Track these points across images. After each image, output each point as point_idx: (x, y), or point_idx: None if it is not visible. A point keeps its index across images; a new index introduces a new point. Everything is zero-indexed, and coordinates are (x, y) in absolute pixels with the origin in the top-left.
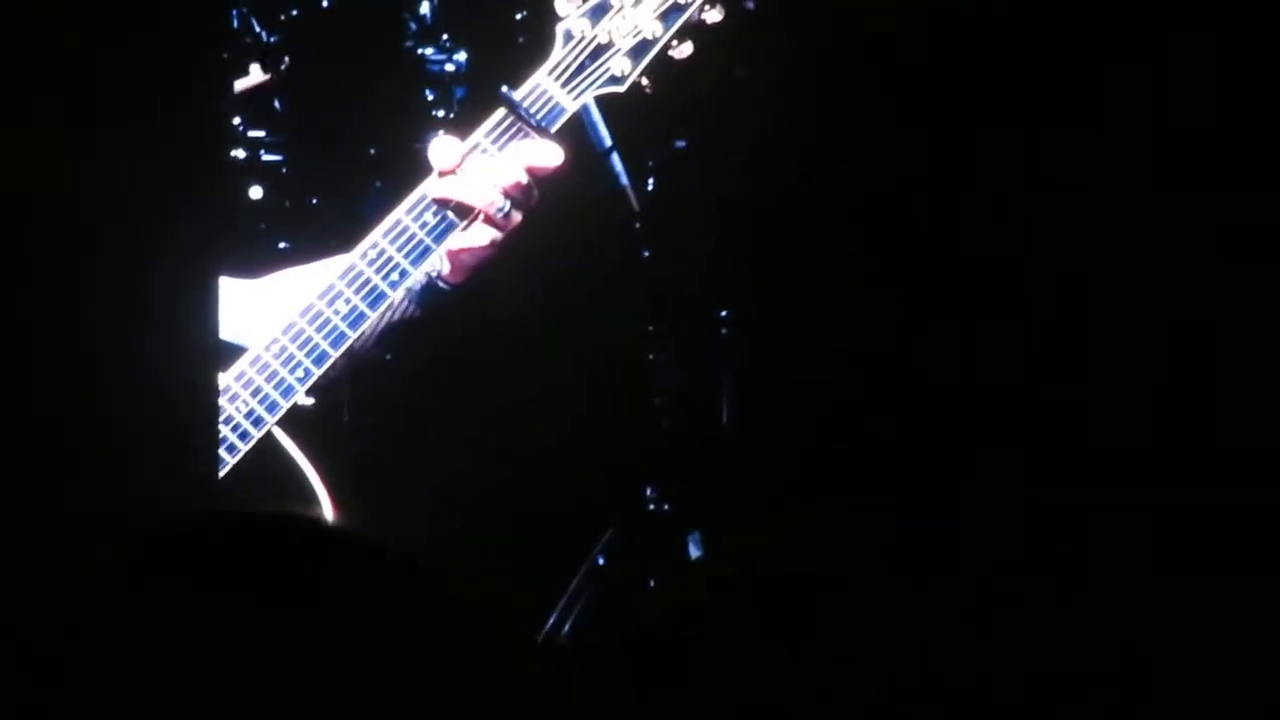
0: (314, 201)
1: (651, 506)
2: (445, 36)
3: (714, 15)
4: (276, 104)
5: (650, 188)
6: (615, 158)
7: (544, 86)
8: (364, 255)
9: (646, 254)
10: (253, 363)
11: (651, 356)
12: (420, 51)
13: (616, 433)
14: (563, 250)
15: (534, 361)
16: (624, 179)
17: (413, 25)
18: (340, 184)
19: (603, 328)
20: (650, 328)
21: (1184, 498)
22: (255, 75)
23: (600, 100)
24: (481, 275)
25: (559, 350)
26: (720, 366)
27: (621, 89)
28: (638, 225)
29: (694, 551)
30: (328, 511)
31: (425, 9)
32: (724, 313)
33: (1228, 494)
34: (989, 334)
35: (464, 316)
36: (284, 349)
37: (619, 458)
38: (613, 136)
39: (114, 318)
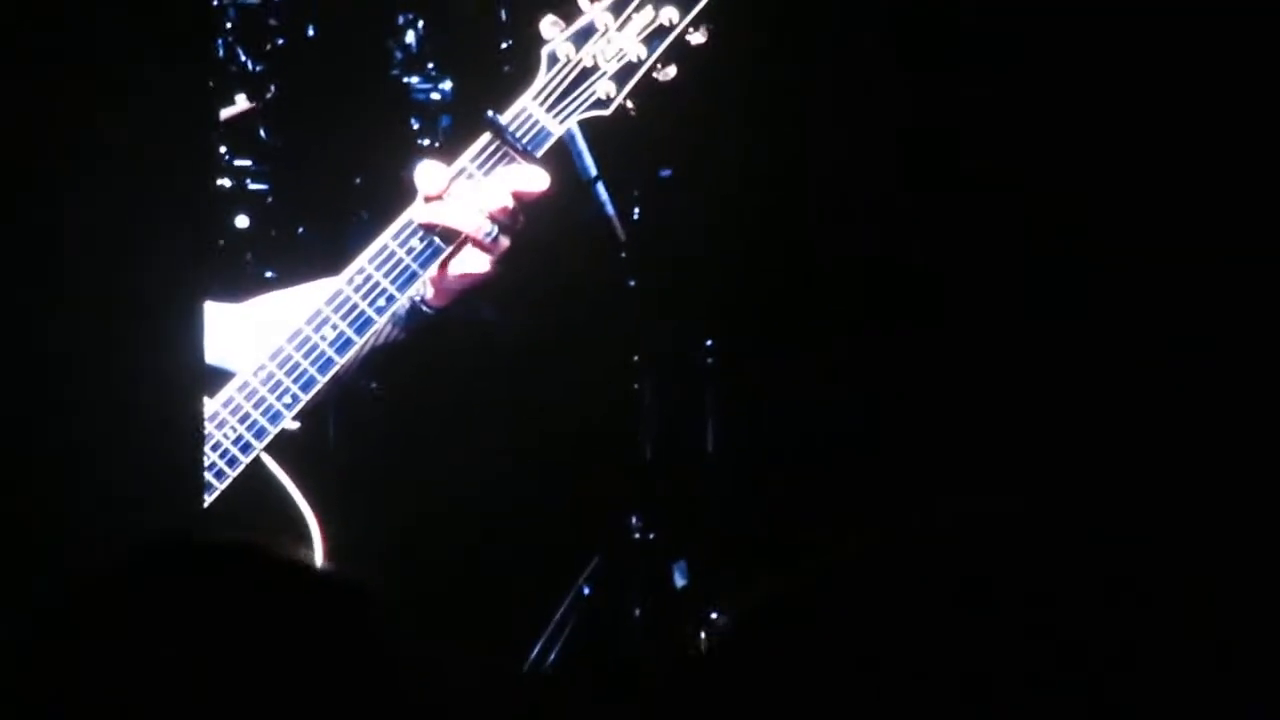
0: (300, 230)
1: (637, 535)
2: (431, 65)
3: (698, 38)
4: (262, 133)
5: (636, 217)
6: (601, 187)
7: (529, 111)
8: (350, 281)
9: (632, 283)
10: (240, 389)
11: (636, 386)
12: (406, 80)
13: (602, 462)
14: (548, 279)
15: (519, 390)
16: (609, 208)
17: (398, 54)
18: (326, 213)
19: (588, 356)
20: (635, 357)
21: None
22: (240, 103)
23: (585, 127)
24: (467, 303)
25: (544, 379)
26: (705, 396)
27: (607, 112)
28: (623, 254)
29: (679, 580)
30: (316, 537)
31: (411, 38)
32: (709, 342)
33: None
34: (980, 360)
35: (450, 345)
36: (271, 375)
37: (604, 487)
38: (598, 166)
39: (99, 345)
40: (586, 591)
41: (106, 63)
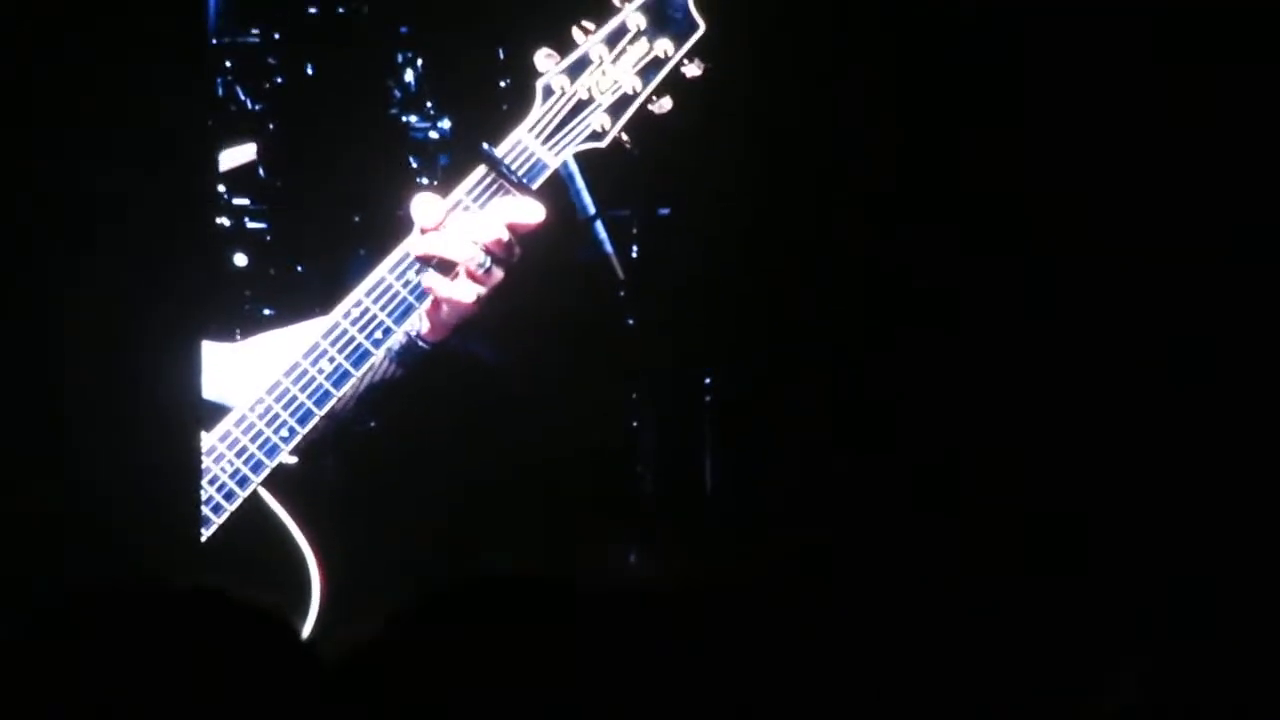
0: (298, 269)
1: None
2: (429, 104)
3: (693, 70)
4: (261, 172)
5: (634, 255)
6: (599, 226)
7: (525, 143)
8: (347, 314)
9: (630, 321)
10: (238, 423)
11: (635, 423)
12: (404, 119)
13: (599, 499)
14: (547, 317)
15: (517, 427)
16: (608, 247)
17: (397, 93)
18: (324, 252)
19: (586, 394)
20: (634, 394)
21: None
22: (246, 151)
23: (584, 165)
24: (463, 337)
25: (542, 416)
26: (704, 432)
27: (602, 144)
28: (621, 292)
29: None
30: (313, 570)
31: (409, 77)
32: (708, 379)
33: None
34: (978, 393)
35: (448, 383)
36: (269, 408)
37: (602, 524)
38: (596, 204)
39: (98, 381)
40: None
41: (107, 97)
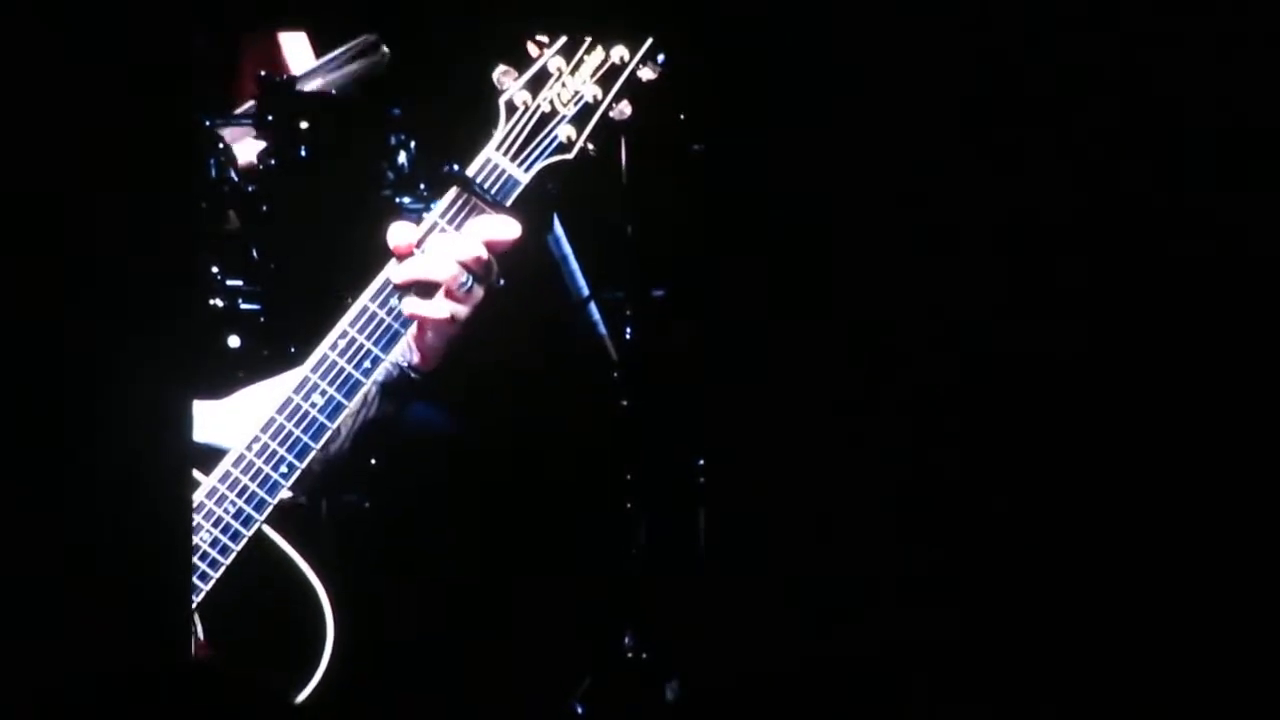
0: (292, 350)
1: (629, 654)
2: (422, 185)
3: (647, 73)
4: (254, 253)
5: (628, 336)
6: (593, 307)
7: (495, 161)
8: (334, 346)
9: (625, 403)
10: (236, 463)
11: (629, 505)
12: (397, 200)
13: (594, 581)
14: (540, 399)
15: (514, 510)
16: (602, 328)
17: (390, 174)
18: (318, 332)
19: (581, 475)
20: (628, 476)
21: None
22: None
23: (578, 249)
24: (460, 411)
25: (537, 498)
26: (698, 514)
27: (570, 155)
28: (615, 374)
29: (671, 698)
30: (325, 603)
31: (402, 158)
32: (700, 460)
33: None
34: (980, 476)
35: (443, 461)
36: (266, 446)
37: (597, 605)
38: (590, 286)
39: (85, 446)
40: (579, 710)
41: (98, 180)
